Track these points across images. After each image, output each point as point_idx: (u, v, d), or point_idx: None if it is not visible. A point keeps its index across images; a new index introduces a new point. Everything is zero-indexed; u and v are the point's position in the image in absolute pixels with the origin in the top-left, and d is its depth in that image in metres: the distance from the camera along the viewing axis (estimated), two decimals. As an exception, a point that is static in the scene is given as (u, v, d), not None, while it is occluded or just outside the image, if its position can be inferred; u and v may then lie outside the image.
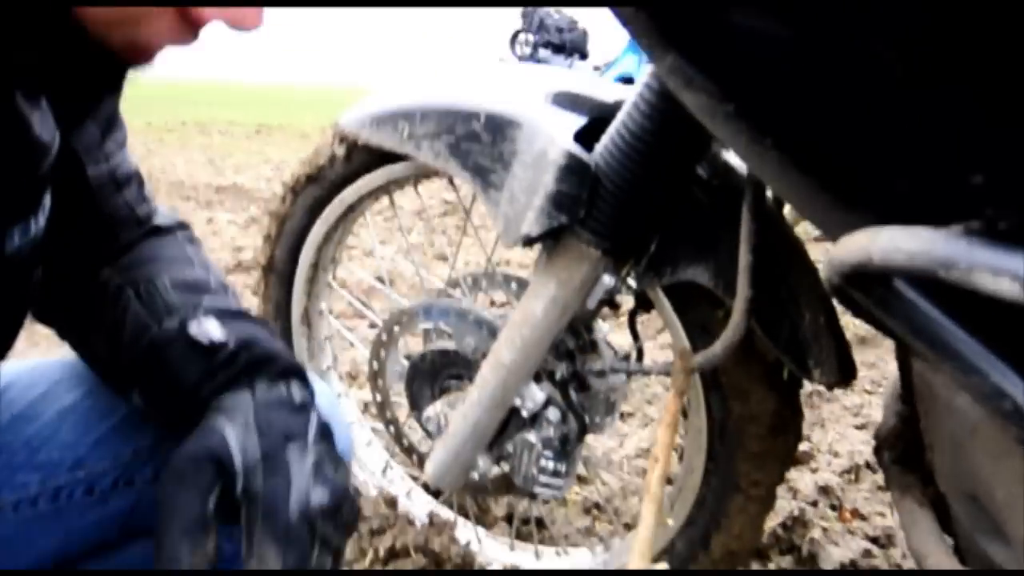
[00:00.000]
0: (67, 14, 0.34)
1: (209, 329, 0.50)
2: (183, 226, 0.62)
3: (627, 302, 0.89)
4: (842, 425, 1.62)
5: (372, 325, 1.52)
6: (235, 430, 0.45)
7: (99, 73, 0.37)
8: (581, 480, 1.32)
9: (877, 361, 2.01)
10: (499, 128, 0.74)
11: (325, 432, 0.49)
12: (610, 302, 0.85)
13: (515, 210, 0.73)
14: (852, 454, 1.48)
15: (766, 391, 0.77)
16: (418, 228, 3.06)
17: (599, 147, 0.67)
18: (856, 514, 1.31)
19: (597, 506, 1.24)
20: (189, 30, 0.37)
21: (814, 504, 1.29)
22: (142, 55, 0.37)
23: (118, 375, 0.54)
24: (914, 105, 0.40)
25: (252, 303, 1.11)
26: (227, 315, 0.52)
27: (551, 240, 0.75)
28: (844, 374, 0.73)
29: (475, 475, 0.90)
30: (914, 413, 0.75)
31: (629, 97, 0.64)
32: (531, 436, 0.84)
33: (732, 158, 0.75)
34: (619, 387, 0.89)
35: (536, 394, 0.83)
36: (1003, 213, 0.39)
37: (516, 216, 0.73)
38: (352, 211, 0.99)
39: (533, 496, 0.91)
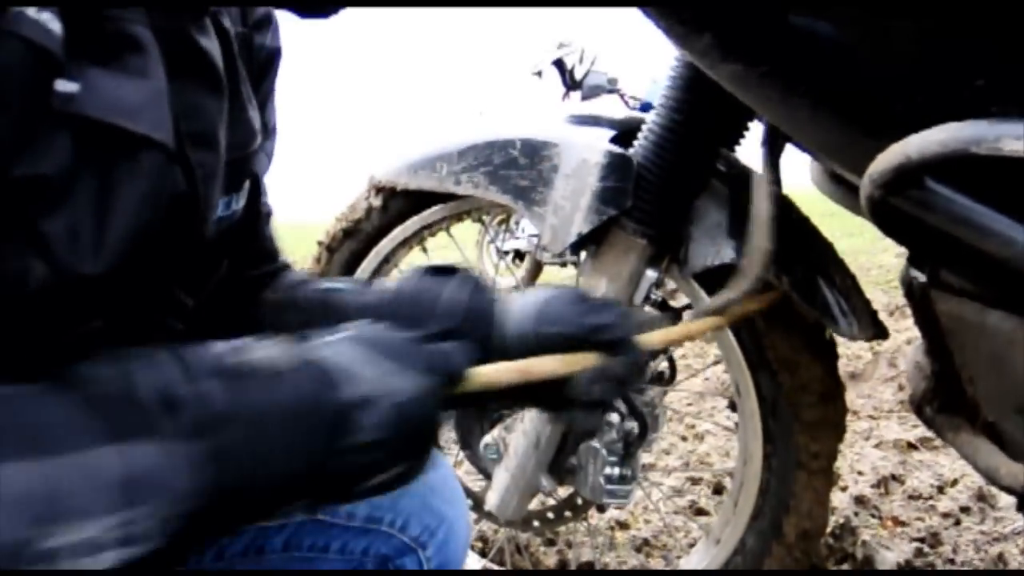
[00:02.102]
0: None
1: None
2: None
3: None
4: (857, 447, 1.66)
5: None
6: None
7: None
8: (623, 525, 1.30)
9: (872, 392, 2.09)
10: (536, 151, 0.83)
11: None
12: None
13: (561, 218, 0.80)
14: (876, 469, 1.51)
15: (811, 359, 0.83)
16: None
17: (635, 145, 0.76)
18: (897, 521, 1.32)
19: (647, 542, 1.22)
20: None
21: (856, 515, 1.30)
22: None
23: None
24: (926, 34, 0.50)
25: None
26: None
27: (594, 246, 0.82)
28: (877, 330, 0.80)
29: (537, 501, 0.90)
30: (944, 367, 0.81)
31: (657, 100, 0.75)
32: (595, 443, 0.86)
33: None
34: (659, 401, 0.93)
35: (593, 400, 0.87)
36: (1006, 108, 0.49)
37: (563, 223, 0.80)
38: (387, 263, 1.04)
39: (601, 508, 0.91)
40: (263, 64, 0.57)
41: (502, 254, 3.96)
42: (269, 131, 0.59)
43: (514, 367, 0.48)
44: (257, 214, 0.58)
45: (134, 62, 0.37)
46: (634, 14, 0.65)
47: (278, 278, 0.63)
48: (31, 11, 0.32)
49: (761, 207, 0.69)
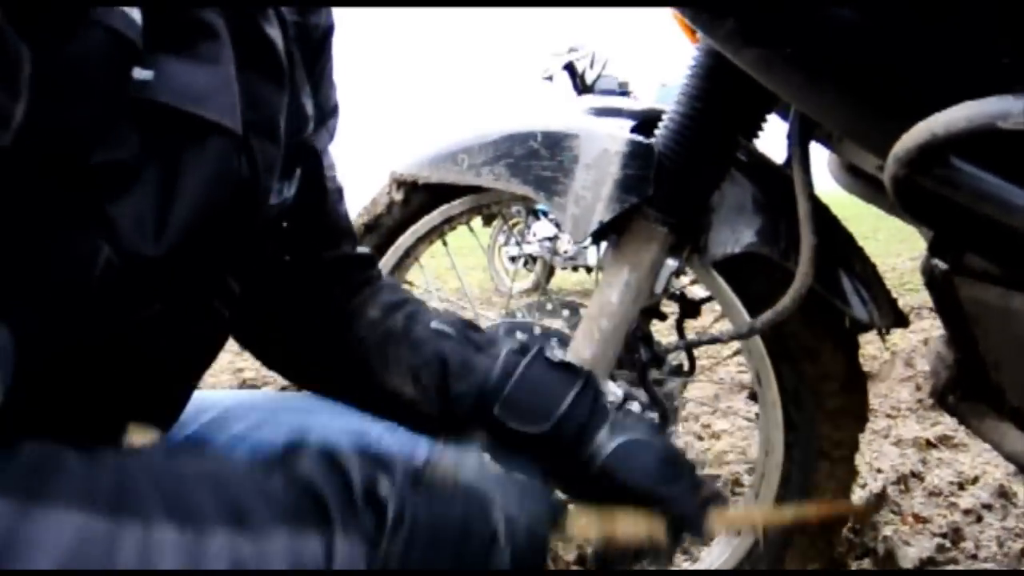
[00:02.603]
0: None
1: (558, 353, 0.61)
2: None
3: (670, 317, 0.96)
4: (876, 445, 1.65)
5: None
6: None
7: None
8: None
9: (889, 393, 2.08)
10: (556, 142, 0.84)
11: None
12: (657, 312, 0.92)
13: (582, 208, 0.81)
14: (895, 467, 1.50)
15: (834, 348, 0.83)
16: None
17: (657, 134, 0.77)
18: (918, 518, 1.31)
19: (666, 538, 1.21)
20: None
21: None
22: None
23: (446, 405, 0.57)
24: (950, 13, 0.51)
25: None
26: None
27: (615, 235, 0.83)
28: (897, 318, 0.80)
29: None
30: (967, 355, 0.81)
31: (678, 89, 0.76)
32: (615, 432, 0.86)
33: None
34: (676, 393, 0.94)
35: (615, 390, 0.87)
36: (1031, 86, 0.49)
37: (584, 212, 0.81)
38: (407, 256, 1.06)
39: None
40: (318, 43, 0.56)
41: (514, 258, 3.98)
42: (331, 109, 0.59)
43: (605, 526, 0.48)
44: (324, 191, 0.57)
45: (206, 49, 0.38)
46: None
47: (374, 290, 0.62)
48: None
49: (802, 204, 0.70)
